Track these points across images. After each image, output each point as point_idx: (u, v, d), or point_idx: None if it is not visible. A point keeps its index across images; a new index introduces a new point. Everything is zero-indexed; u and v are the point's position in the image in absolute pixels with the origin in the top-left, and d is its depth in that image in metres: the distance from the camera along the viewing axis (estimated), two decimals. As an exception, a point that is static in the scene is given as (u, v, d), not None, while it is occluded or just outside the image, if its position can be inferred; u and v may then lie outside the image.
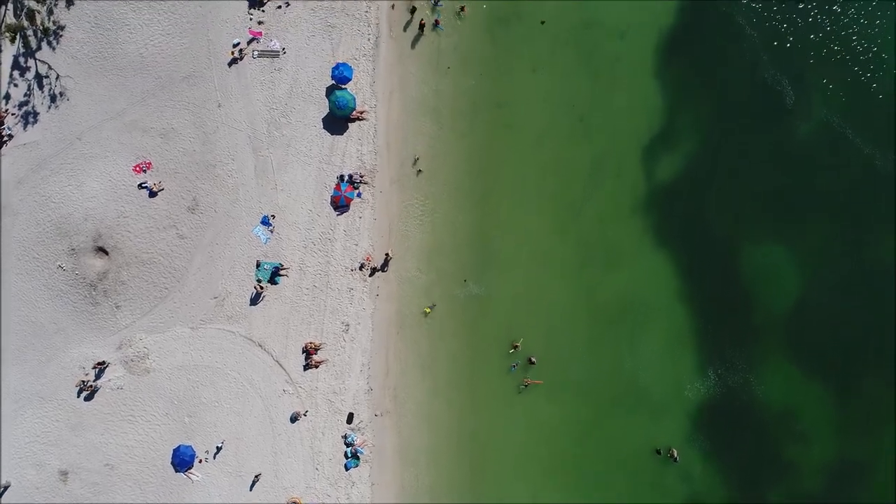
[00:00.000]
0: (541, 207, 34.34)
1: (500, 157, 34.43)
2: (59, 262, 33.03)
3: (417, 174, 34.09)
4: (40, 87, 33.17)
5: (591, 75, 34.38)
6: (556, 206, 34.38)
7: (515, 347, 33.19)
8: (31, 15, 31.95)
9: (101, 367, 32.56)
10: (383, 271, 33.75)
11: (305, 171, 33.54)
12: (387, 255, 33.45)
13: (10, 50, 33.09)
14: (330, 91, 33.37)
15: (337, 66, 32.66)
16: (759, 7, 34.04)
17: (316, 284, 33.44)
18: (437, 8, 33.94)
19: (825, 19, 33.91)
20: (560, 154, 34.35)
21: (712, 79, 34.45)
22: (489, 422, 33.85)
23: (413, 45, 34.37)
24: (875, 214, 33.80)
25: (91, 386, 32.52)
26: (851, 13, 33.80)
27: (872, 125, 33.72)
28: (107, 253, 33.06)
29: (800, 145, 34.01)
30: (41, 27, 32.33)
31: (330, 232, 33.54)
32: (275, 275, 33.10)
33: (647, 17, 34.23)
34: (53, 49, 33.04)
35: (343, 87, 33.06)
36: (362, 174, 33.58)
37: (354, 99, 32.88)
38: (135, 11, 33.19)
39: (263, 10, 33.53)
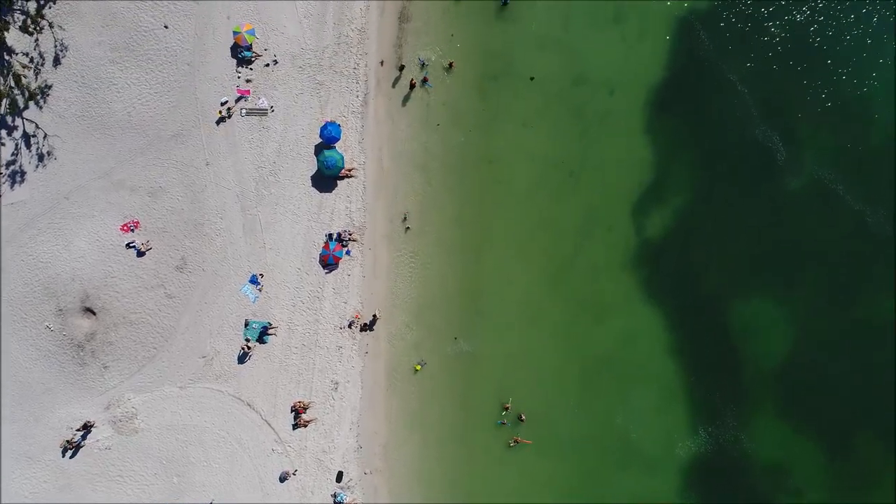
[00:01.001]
0: (531, 263, 34.18)
1: (490, 213, 34.25)
2: (46, 323, 32.91)
3: (406, 231, 33.94)
4: (27, 146, 33.04)
5: (581, 131, 34.20)
6: (546, 261, 34.21)
7: (506, 409, 33.05)
8: (17, 78, 31.80)
9: (87, 428, 32.42)
10: (371, 330, 33.59)
11: (294, 230, 33.40)
12: (374, 315, 33.32)
13: (-3, 110, 33.09)
14: (318, 150, 33.23)
15: (325, 126, 32.52)
16: (751, 64, 33.85)
17: (304, 343, 33.30)
18: (425, 67, 33.79)
19: (817, 75, 33.72)
20: (550, 209, 34.19)
21: (703, 134, 34.25)
22: (480, 479, 33.73)
23: (402, 101, 34.21)
24: (866, 271, 33.62)
25: (76, 444, 32.40)
26: (843, 70, 33.60)
27: (864, 181, 33.55)
28: (94, 313, 32.92)
29: (791, 201, 33.82)
30: (27, 89, 32.17)
31: (318, 290, 33.40)
32: (263, 334, 32.96)
33: (636, 73, 34.05)
34: (40, 108, 32.90)
35: (331, 146, 32.90)
36: (351, 232, 33.45)
37: (343, 158, 32.73)
38: (122, 70, 33.04)
39: (251, 69, 33.37)
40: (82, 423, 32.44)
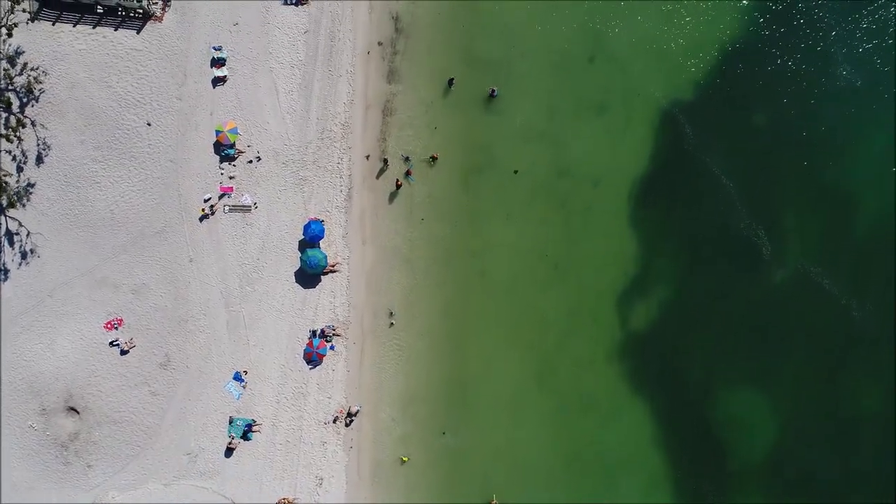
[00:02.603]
0: (517, 355, 34.14)
1: (475, 306, 34.21)
2: (30, 422, 32.85)
3: (391, 325, 33.86)
4: (10, 243, 32.98)
5: (565, 223, 34.16)
6: (531, 354, 34.16)
7: (492, 506, 33.06)
8: (1, 186, 31.74)
9: (72, 529, 32.44)
10: (355, 425, 33.51)
11: (278, 326, 33.34)
12: (358, 409, 33.27)
13: (-20, 208, 33.05)
14: (302, 247, 33.15)
15: (309, 224, 32.44)
16: (735, 157, 33.80)
17: (289, 439, 33.21)
18: (409, 161, 33.72)
19: (802, 167, 33.67)
20: (535, 302, 34.14)
21: (687, 227, 34.25)
22: (466, 573, 33.65)
23: (386, 196, 34.15)
24: (852, 365, 33.55)
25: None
26: (829, 162, 33.59)
27: (849, 274, 33.47)
28: (78, 412, 32.86)
29: (776, 294, 33.80)
30: (9, 190, 32.11)
31: (303, 386, 33.34)
32: (247, 431, 32.87)
33: (621, 165, 34.01)
34: (24, 206, 32.82)
35: (315, 244, 32.82)
36: (335, 327, 33.39)
37: (326, 257, 32.64)
38: (105, 168, 32.98)
39: (234, 165, 33.32)
40: (66, 523, 32.39)
